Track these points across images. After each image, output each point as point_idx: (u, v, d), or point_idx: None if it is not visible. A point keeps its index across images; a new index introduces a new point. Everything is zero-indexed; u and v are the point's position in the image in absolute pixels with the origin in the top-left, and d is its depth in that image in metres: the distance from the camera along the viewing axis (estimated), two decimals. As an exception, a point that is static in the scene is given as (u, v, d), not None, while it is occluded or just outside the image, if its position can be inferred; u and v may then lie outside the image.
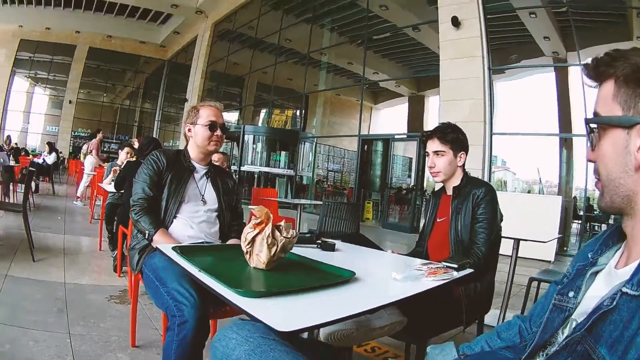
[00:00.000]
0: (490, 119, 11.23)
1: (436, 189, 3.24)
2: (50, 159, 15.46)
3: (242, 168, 18.28)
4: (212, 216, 2.97)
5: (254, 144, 18.87)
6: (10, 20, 28.22)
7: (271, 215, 1.94)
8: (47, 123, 32.88)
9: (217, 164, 4.82)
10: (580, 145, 11.54)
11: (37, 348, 3.00)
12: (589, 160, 1.14)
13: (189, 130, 3.02)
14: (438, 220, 2.99)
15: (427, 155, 2.97)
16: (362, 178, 16.28)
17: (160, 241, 2.60)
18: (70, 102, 31.58)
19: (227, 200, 3.07)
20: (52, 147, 16.22)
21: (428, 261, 2.26)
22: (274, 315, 1.32)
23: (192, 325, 2.07)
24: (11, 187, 10.18)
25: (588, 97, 9.47)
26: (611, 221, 8.31)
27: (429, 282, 1.87)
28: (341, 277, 1.81)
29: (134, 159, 7.04)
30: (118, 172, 6.34)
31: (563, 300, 1.24)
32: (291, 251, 2.01)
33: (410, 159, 16.31)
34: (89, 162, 12.19)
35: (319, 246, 2.61)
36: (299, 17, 20.09)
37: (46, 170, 14.98)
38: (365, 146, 16.29)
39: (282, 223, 1.95)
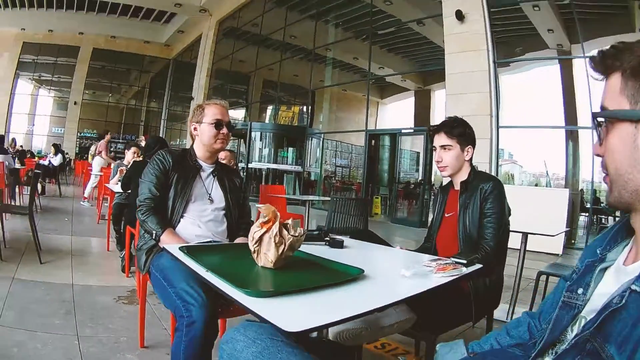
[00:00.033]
0: (497, 112, 11.27)
1: (444, 183, 3.22)
2: (56, 160, 15.51)
3: (250, 165, 18.48)
4: (220, 215, 2.94)
5: (261, 140, 18.99)
6: (13, 23, 28.36)
7: (278, 214, 1.92)
8: (53, 125, 33.06)
9: (224, 161, 4.81)
10: (585, 138, 11.56)
11: (45, 351, 2.99)
12: (597, 155, 1.12)
13: (195, 129, 2.99)
14: (446, 215, 2.98)
15: (434, 150, 2.96)
16: (370, 173, 16.31)
17: (168, 241, 2.58)
18: (75, 103, 31.73)
19: (234, 198, 3.05)
20: (57, 149, 16.28)
21: (437, 257, 2.25)
22: (281, 315, 1.30)
23: (200, 326, 2.07)
24: (17, 190, 10.18)
25: (593, 89, 9.46)
26: (618, 214, 8.31)
27: (438, 279, 1.85)
28: (350, 275, 1.79)
29: (140, 158, 7.02)
30: (125, 172, 6.34)
31: (572, 297, 1.23)
32: (299, 249, 1.99)
33: (418, 153, 16.43)
34: (97, 163, 12.20)
35: (327, 243, 2.59)
36: (303, 14, 20.07)
37: (52, 172, 15.02)
38: (373, 141, 16.30)
39: (290, 221, 1.93)
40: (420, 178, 15.00)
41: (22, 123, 32.34)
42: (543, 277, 4.22)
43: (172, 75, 33.63)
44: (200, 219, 2.84)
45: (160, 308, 3.81)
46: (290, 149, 18.90)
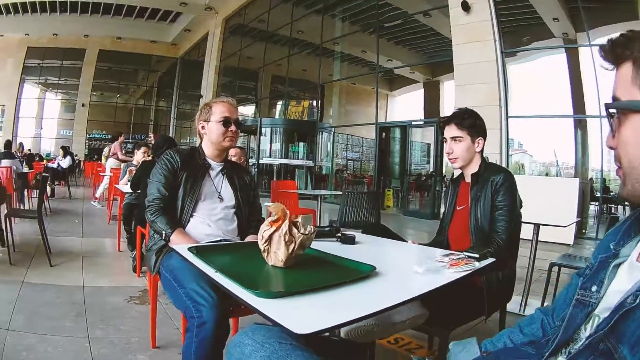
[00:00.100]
0: (506, 102, 11.29)
1: (455, 175, 3.20)
2: (65, 162, 15.53)
3: (261, 161, 18.54)
4: (230, 213, 2.92)
5: (271, 136, 19.03)
6: (16, 29, 28.48)
7: (288, 212, 1.90)
8: (61, 127, 33.22)
9: (234, 158, 4.77)
10: (594, 126, 11.50)
11: (55, 354, 2.99)
12: (610, 148, 1.09)
13: (203, 127, 2.97)
14: (457, 208, 2.96)
15: (445, 141, 2.94)
16: (382, 166, 16.35)
17: (178, 241, 2.57)
18: (83, 105, 31.88)
19: (245, 196, 3.03)
20: (66, 151, 16.31)
21: (449, 252, 2.21)
22: (291, 316, 1.28)
23: (211, 326, 2.05)
24: (26, 194, 10.18)
25: (600, 78, 9.47)
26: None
27: (451, 274, 1.83)
28: (361, 273, 1.77)
29: (150, 158, 7.01)
30: (134, 172, 6.32)
31: (586, 295, 1.21)
32: (310, 246, 1.97)
33: (428, 144, 16.38)
34: (111, 164, 12.22)
35: (339, 240, 2.58)
36: (310, 8, 20.11)
37: (61, 174, 15.04)
38: (383, 134, 16.32)
39: (300, 219, 1.91)
40: (431, 170, 15.02)
41: (29, 127, 32.47)
42: (555, 269, 4.21)
43: (180, 74, 33.74)
44: (210, 218, 2.81)
45: (172, 307, 3.76)
46: (301, 144, 18.92)
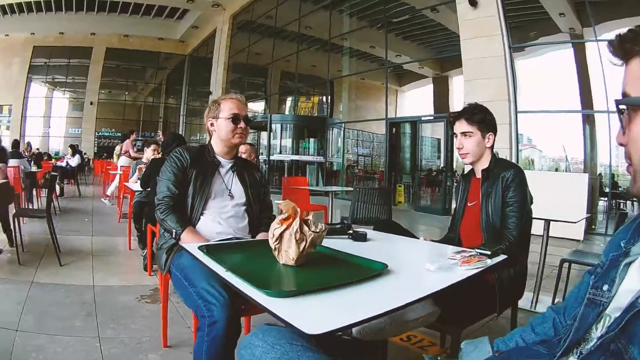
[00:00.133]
0: (515, 97, 11.32)
1: (465, 170, 3.20)
2: (74, 161, 15.57)
3: (272, 157, 18.67)
4: (240, 210, 2.90)
5: (281, 132, 19.18)
6: (21, 28, 28.57)
7: (299, 210, 1.89)
8: (69, 125, 33.37)
9: (244, 155, 4.74)
10: (602, 121, 11.44)
11: (65, 354, 2.98)
12: (620, 144, 1.07)
13: (212, 124, 2.95)
14: (469, 204, 2.96)
15: (455, 137, 2.94)
16: (392, 161, 16.27)
17: (188, 239, 2.56)
18: (91, 103, 32.08)
19: (255, 193, 3.00)
20: (75, 150, 16.35)
21: (461, 249, 2.22)
22: (302, 316, 1.28)
23: (222, 326, 2.04)
24: (35, 193, 10.19)
25: (608, 73, 9.46)
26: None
27: (463, 272, 1.83)
28: (373, 271, 1.77)
29: (159, 155, 6.99)
30: (144, 170, 6.30)
31: (597, 294, 1.20)
32: (322, 244, 1.97)
33: (439, 140, 16.34)
34: (123, 162, 12.22)
35: (350, 237, 2.58)
36: (317, 4, 20.21)
37: (70, 173, 15.06)
38: (393, 129, 16.24)
39: (311, 217, 1.91)
40: (442, 165, 15.07)
41: (37, 126, 32.63)
42: (565, 265, 4.20)
43: (188, 71, 33.88)
44: (221, 216, 2.80)
45: (184, 306, 3.74)
46: (312, 140, 19.04)
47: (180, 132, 29.93)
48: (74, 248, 6.22)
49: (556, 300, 4.22)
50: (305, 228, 1.84)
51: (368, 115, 21.31)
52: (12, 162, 7.93)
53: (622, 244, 1.20)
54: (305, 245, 1.82)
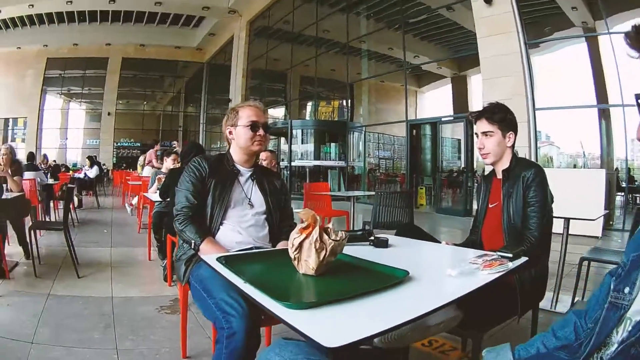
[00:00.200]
0: (532, 94, 11.37)
1: (486, 171, 3.18)
2: (92, 172, 15.57)
3: (293, 163, 18.74)
4: (261, 219, 2.86)
5: (302, 137, 19.25)
6: (33, 40, 28.92)
7: (318, 218, 1.87)
8: (87, 137, 33.75)
9: (265, 162, 4.73)
10: (617, 115, 11.44)
11: (82, 367, 2.97)
12: (639, 139, 1.05)
13: (230, 132, 2.92)
14: (490, 206, 2.95)
15: (476, 137, 2.94)
16: (413, 163, 16.36)
17: (207, 250, 2.54)
18: (109, 113, 32.41)
19: (275, 201, 2.95)
20: (93, 161, 16.37)
21: (482, 252, 2.21)
22: (322, 328, 1.26)
23: (241, 337, 2.02)
24: (52, 205, 10.20)
25: (621, 66, 9.44)
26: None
27: (485, 276, 1.82)
28: (395, 278, 1.75)
29: (178, 165, 6.99)
30: (163, 180, 6.30)
31: (619, 297, 1.19)
32: (343, 251, 1.94)
33: (459, 140, 16.52)
34: (147, 173, 12.27)
35: (371, 243, 2.56)
36: (334, 7, 20.25)
37: (89, 184, 15.08)
38: (414, 131, 16.33)
39: (331, 225, 1.89)
40: (462, 166, 15.12)
41: (54, 138, 33.00)
42: (585, 263, 4.18)
43: (207, 79, 34.05)
44: (241, 225, 2.77)
45: (204, 316, 3.80)
46: (333, 145, 19.11)
47: (200, 141, 30.49)
48: (92, 260, 6.22)
49: (576, 299, 4.19)
50: (325, 237, 1.82)
51: (388, 117, 21.29)
52: (28, 175, 7.95)
53: None
54: (325, 254, 1.79)
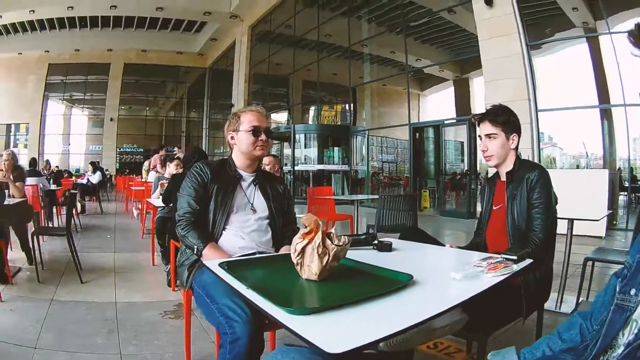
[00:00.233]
0: (534, 95, 11.41)
1: (489, 172, 3.19)
2: (95, 178, 15.58)
3: (296, 168, 18.85)
4: (263, 224, 2.85)
5: (305, 142, 19.38)
6: (34, 46, 28.94)
7: (321, 223, 1.86)
8: (90, 142, 33.78)
9: (268, 167, 4.72)
10: (619, 115, 11.39)
11: (85, 372, 2.96)
12: None
13: (232, 138, 2.92)
14: (494, 208, 2.96)
15: (480, 139, 2.94)
16: (417, 166, 16.42)
17: (210, 255, 2.52)
18: (111, 119, 32.51)
19: (278, 206, 2.95)
20: (95, 167, 16.37)
21: (487, 255, 2.20)
22: (325, 333, 1.26)
23: (244, 342, 2.01)
24: (55, 211, 10.23)
25: (622, 66, 9.49)
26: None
27: (490, 279, 1.81)
28: (399, 282, 1.74)
29: (181, 170, 6.98)
30: (165, 185, 6.30)
31: (625, 299, 1.18)
32: (346, 256, 1.93)
33: (462, 143, 16.38)
34: (152, 177, 12.28)
35: (375, 247, 2.56)
36: (335, 12, 20.35)
37: (92, 190, 15.09)
38: (417, 134, 16.35)
39: (333, 230, 1.87)
40: (465, 168, 15.08)
41: (56, 144, 33.10)
42: (589, 263, 4.16)
43: (209, 84, 34.22)
44: (243, 230, 2.76)
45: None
46: (336, 149, 19.22)
47: (203, 146, 30.67)
48: (96, 265, 6.22)
49: (581, 299, 4.18)
50: (328, 242, 1.81)
51: (391, 121, 21.28)
52: (30, 181, 7.97)
53: None
54: (328, 259, 1.79)
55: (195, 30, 29.53)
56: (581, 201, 5.37)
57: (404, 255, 2.51)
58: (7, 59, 29.78)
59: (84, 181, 15.54)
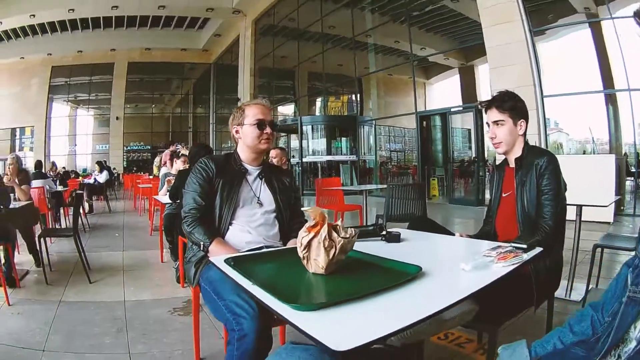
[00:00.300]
0: (539, 81, 11.38)
1: (497, 159, 3.16)
2: (102, 177, 15.59)
3: (304, 159, 18.87)
4: (270, 218, 2.83)
5: (312, 133, 19.42)
6: (37, 50, 28.90)
7: (327, 216, 1.83)
8: (96, 142, 33.84)
9: (275, 160, 4.69)
10: (624, 100, 11.32)
11: (93, 372, 2.95)
12: None
13: (237, 131, 2.90)
14: (504, 195, 2.94)
15: (487, 126, 2.92)
16: (424, 155, 16.32)
17: (217, 251, 2.51)
18: (117, 118, 32.54)
19: (285, 199, 2.92)
20: (102, 166, 16.38)
21: (496, 244, 2.16)
22: (331, 330, 1.23)
23: (252, 338, 2.00)
24: (62, 212, 10.25)
25: (625, 50, 9.65)
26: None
27: (500, 269, 1.78)
28: (407, 275, 1.71)
29: (187, 166, 6.94)
30: (172, 182, 6.27)
31: (638, 292, 1.16)
32: (354, 247, 1.90)
33: (469, 130, 16.36)
34: (164, 173, 12.29)
35: (383, 238, 2.52)
36: (338, 3, 20.31)
37: (99, 189, 15.12)
38: (424, 122, 16.30)
39: (340, 222, 1.84)
40: (473, 155, 15.01)
41: (62, 145, 33.17)
42: (598, 250, 4.13)
43: (215, 79, 34.24)
44: (250, 225, 2.74)
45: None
46: (344, 139, 19.23)
47: (210, 141, 31.01)
48: (104, 264, 6.23)
49: (590, 286, 4.11)
50: (334, 234, 1.77)
51: (398, 110, 21.25)
52: (36, 183, 7.98)
53: None
54: (334, 252, 1.75)
55: (199, 26, 29.48)
56: (589, 187, 5.35)
57: (412, 246, 2.48)
58: (10, 63, 29.79)
59: (91, 181, 15.58)
